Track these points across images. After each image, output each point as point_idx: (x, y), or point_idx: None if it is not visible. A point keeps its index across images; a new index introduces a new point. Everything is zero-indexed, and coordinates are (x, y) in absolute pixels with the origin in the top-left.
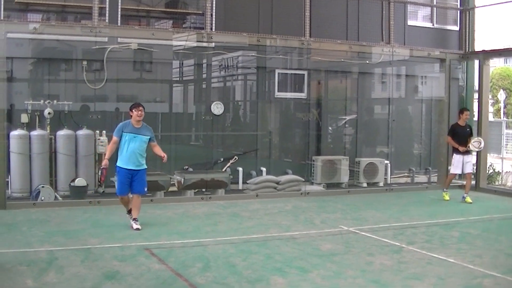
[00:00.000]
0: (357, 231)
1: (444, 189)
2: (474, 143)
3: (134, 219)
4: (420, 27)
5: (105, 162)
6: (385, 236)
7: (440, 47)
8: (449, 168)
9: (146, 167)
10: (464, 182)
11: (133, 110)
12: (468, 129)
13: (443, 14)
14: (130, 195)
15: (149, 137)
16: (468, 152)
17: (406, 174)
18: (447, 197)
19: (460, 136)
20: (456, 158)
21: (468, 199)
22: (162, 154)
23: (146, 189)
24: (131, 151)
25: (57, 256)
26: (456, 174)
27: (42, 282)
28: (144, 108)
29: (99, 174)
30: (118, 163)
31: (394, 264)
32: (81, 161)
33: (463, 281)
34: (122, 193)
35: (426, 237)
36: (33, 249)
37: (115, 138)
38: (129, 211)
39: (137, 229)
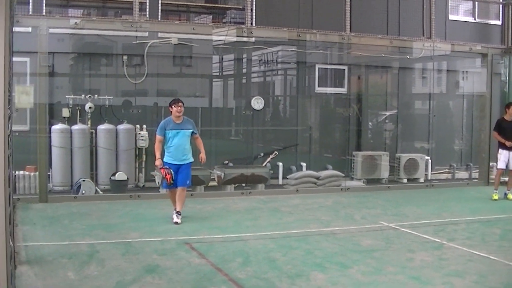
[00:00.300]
0: (398, 227)
1: (495, 190)
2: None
3: (177, 212)
4: (462, 21)
5: (158, 162)
6: (425, 233)
7: (481, 42)
8: (491, 164)
9: (192, 160)
10: (507, 179)
11: (173, 106)
12: None
13: (485, 8)
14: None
15: (191, 130)
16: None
17: (447, 170)
18: (496, 197)
19: (507, 130)
20: (503, 154)
21: (510, 196)
22: (202, 154)
23: (189, 182)
24: (176, 147)
25: (98, 249)
26: (503, 169)
27: (83, 274)
28: (183, 103)
29: (163, 176)
30: (165, 159)
31: (434, 261)
32: (121, 155)
33: (505, 279)
34: (170, 186)
35: (467, 233)
36: (74, 242)
37: (159, 137)
38: (179, 212)
39: (176, 223)
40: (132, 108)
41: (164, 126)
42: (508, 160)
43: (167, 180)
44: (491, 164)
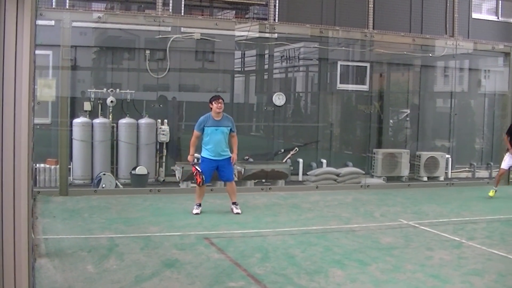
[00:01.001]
0: (417, 225)
1: (494, 187)
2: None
3: (234, 203)
4: (485, 20)
5: (191, 157)
6: (445, 231)
7: (504, 41)
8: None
9: (231, 155)
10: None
11: (213, 103)
12: None
13: (509, 7)
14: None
15: (230, 127)
16: None
17: (467, 169)
18: (492, 194)
19: None
20: (509, 157)
21: (491, 193)
22: (234, 155)
23: (234, 175)
24: (215, 144)
25: (118, 243)
26: (505, 169)
27: (103, 268)
28: (223, 100)
29: (193, 174)
30: (203, 154)
31: (453, 259)
32: (142, 149)
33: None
34: (199, 185)
35: (486, 233)
36: (94, 236)
37: (197, 132)
38: (199, 204)
39: (238, 213)
40: (153, 103)
41: (203, 122)
42: None
43: (197, 181)
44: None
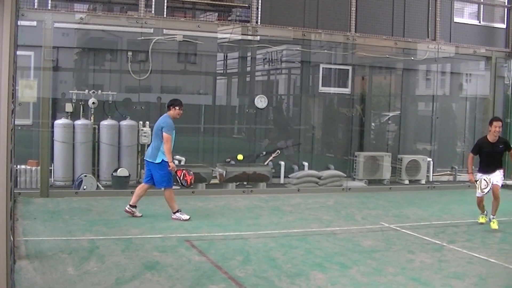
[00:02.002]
0: (398, 228)
1: (481, 213)
2: (483, 182)
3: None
4: (467, 24)
5: (172, 164)
6: (426, 234)
7: (486, 45)
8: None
9: None
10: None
11: (177, 108)
12: (501, 146)
13: (490, 12)
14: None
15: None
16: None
17: (448, 172)
18: (483, 220)
19: (488, 156)
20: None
21: (494, 224)
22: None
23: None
24: (172, 146)
25: (98, 245)
26: (483, 195)
27: (83, 270)
28: None
29: (180, 178)
30: (166, 158)
31: (434, 263)
32: (123, 151)
33: (504, 282)
34: (189, 186)
35: (467, 236)
36: (74, 238)
37: (170, 136)
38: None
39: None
40: (135, 105)
41: (172, 125)
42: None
43: (188, 181)
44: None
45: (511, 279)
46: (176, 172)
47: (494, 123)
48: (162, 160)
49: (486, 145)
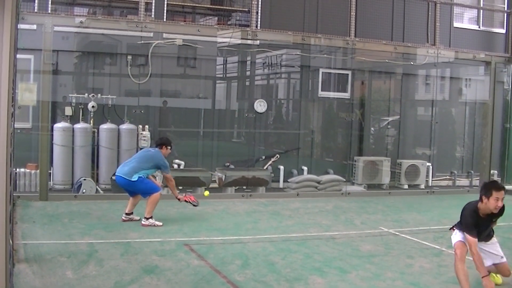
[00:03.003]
0: (397, 233)
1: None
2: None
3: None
4: (466, 29)
5: (180, 196)
6: (425, 239)
7: (485, 50)
8: (492, 172)
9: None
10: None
11: (169, 148)
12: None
13: (490, 17)
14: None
15: None
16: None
17: (447, 177)
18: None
19: (480, 229)
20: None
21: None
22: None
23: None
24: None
25: (97, 248)
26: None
27: (82, 274)
28: None
29: (191, 201)
30: (141, 175)
31: (433, 267)
32: (123, 155)
33: (502, 286)
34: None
35: None
36: (73, 241)
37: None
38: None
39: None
40: (135, 108)
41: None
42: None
43: (195, 201)
44: (491, 172)
45: (509, 283)
46: (185, 200)
47: (495, 194)
48: (139, 177)
49: (480, 222)
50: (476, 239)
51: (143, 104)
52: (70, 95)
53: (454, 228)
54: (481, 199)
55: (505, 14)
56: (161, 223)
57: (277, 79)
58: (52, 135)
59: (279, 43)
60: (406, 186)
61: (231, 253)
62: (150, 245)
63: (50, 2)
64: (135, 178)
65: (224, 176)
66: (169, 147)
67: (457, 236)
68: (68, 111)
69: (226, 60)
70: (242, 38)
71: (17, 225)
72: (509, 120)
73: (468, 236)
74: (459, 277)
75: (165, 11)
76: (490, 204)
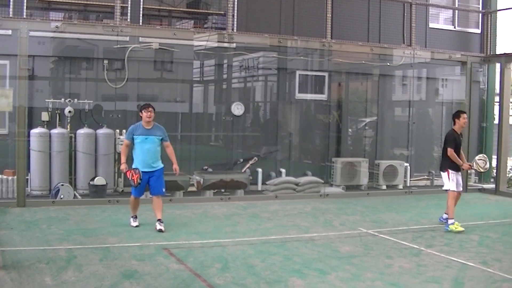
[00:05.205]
0: (376, 234)
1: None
2: (479, 161)
3: (159, 220)
4: (442, 29)
5: (123, 166)
6: (404, 239)
7: (461, 50)
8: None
9: (163, 165)
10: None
11: (143, 111)
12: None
13: (465, 17)
14: (149, 196)
15: (161, 137)
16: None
17: (425, 177)
18: (460, 228)
19: (458, 147)
20: (456, 177)
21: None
22: (175, 165)
23: (164, 190)
24: (145, 153)
25: (76, 254)
26: (460, 191)
27: (61, 280)
28: (154, 109)
29: (129, 178)
30: (134, 166)
31: (413, 267)
32: (100, 160)
33: (482, 285)
34: (137, 194)
35: (445, 240)
36: (52, 247)
37: (126, 141)
38: (135, 216)
39: (160, 230)
40: (111, 113)
41: (132, 131)
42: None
43: (134, 181)
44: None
45: (488, 282)
46: (125, 173)
47: (462, 115)
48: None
49: (458, 138)
50: (453, 150)
51: (120, 108)
52: (46, 100)
53: (449, 170)
54: (454, 122)
55: (480, 15)
56: (135, 223)
57: (254, 82)
58: (29, 140)
59: (256, 46)
60: (384, 187)
61: (211, 256)
62: (129, 250)
63: (25, 7)
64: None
65: (202, 180)
66: (144, 110)
67: (453, 184)
68: (45, 116)
69: (203, 64)
70: (218, 41)
71: None
72: (485, 119)
73: (449, 149)
74: (450, 204)
75: (141, 15)
76: (461, 121)
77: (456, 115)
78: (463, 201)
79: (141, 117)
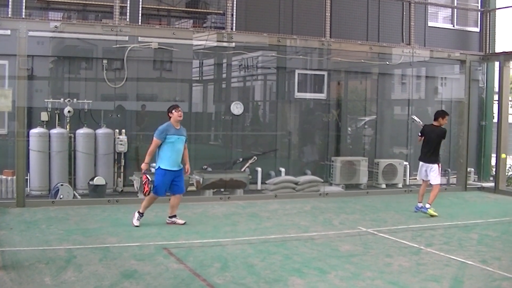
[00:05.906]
0: (376, 232)
1: (428, 204)
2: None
3: (176, 216)
4: (441, 28)
5: (145, 165)
6: (403, 238)
7: (460, 49)
8: (469, 170)
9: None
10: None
11: (173, 111)
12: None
13: (464, 16)
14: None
15: (186, 137)
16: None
17: None
18: (434, 213)
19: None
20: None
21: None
22: (188, 166)
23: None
24: (176, 153)
25: (76, 254)
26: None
27: (60, 280)
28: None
29: (142, 182)
30: (162, 166)
31: (412, 266)
32: (100, 159)
33: (482, 284)
34: (161, 193)
35: (444, 238)
36: (51, 247)
37: (158, 141)
38: (142, 214)
39: (185, 222)
40: (111, 113)
41: (165, 130)
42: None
43: (144, 189)
44: (468, 169)
45: (488, 281)
46: (143, 175)
47: (447, 116)
48: (159, 167)
49: (431, 131)
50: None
51: (120, 108)
52: (46, 100)
53: (439, 165)
54: (438, 119)
55: (479, 13)
56: (137, 224)
57: (253, 81)
58: (28, 141)
59: (255, 45)
60: (384, 186)
61: (210, 256)
62: (129, 250)
63: (24, 7)
64: (156, 166)
65: (202, 179)
66: (174, 110)
67: (439, 179)
68: (44, 116)
69: (202, 63)
70: (217, 41)
71: None
72: (484, 118)
73: (419, 138)
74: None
75: (140, 15)
76: (444, 121)
77: (442, 114)
78: (462, 199)
79: (170, 117)
